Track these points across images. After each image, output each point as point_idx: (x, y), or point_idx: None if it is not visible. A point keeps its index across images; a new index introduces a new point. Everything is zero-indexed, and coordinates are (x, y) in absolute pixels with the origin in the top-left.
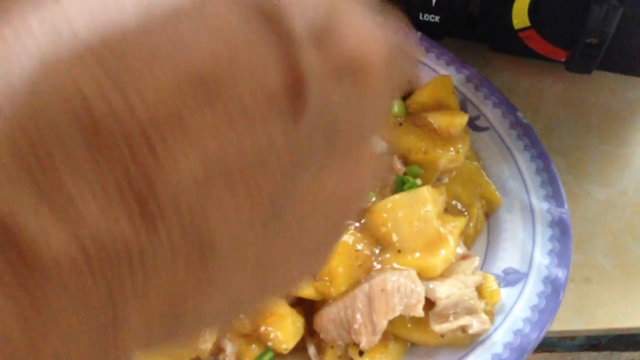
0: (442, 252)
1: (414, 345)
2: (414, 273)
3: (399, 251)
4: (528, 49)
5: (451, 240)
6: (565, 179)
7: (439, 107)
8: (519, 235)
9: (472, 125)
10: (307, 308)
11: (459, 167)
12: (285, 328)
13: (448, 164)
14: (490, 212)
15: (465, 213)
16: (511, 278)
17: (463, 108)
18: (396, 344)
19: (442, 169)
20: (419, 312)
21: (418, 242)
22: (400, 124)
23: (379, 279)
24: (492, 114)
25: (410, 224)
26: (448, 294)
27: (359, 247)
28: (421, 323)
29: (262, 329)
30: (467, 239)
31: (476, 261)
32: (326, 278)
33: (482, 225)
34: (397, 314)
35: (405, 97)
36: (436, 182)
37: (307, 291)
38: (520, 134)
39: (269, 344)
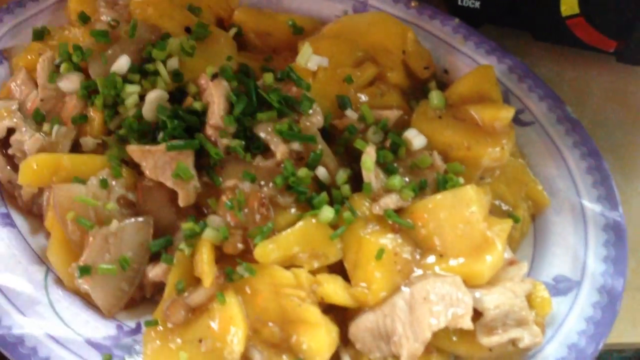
0: (489, 257)
1: (458, 359)
2: (459, 280)
3: (442, 255)
4: (575, 38)
5: (499, 244)
6: (614, 178)
7: (481, 99)
8: (569, 239)
9: (515, 119)
10: (341, 315)
11: (503, 165)
12: (319, 338)
13: (492, 161)
14: (536, 214)
15: (510, 214)
16: (562, 286)
17: (506, 101)
18: (439, 357)
19: (485, 166)
20: (468, 324)
21: (462, 246)
22: (440, 117)
23: (421, 286)
24: (537, 107)
25: (453, 226)
26: (497, 303)
27: (398, 250)
28: (467, 335)
29: (293, 338)
30: (512, 243)
31: (525, 267)
32: (363, 284)
33: (528, 228)
34: (442, 325)
35: (443, 88)
36: (479, 181)
37: (342, 297)
38: (569, 130)
39: (301, 355)
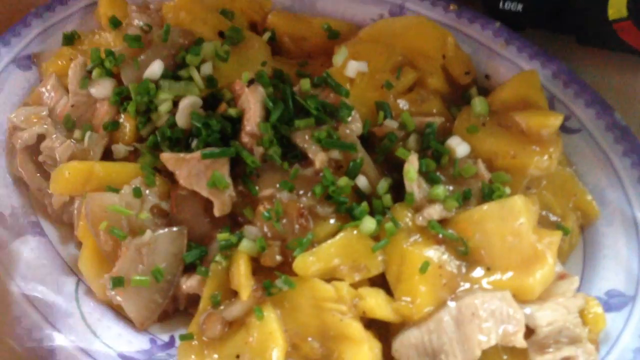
0: (540, 271)
1: None
2: (509, 295)
3: (489, 269)
4: (622, 42)
5: (549, 257)
6: None
7: (526, 105)
8: (621, 252)
9: (562, 127)
10: (383, 331)
11: (550, 174)
12: (361, 355)
13: (539, 170)
14: (586, 225)
15: (559, 225)
16: (616, 302)
17: (551, 107)
18: None
19: (532, 175)
20: (520, 342)
21: (511, 259)
22: (484, 124)
23: (469, 301)
24: (584, 114)
25: (501, 238)
26: (550, 320)
27: (443, 263)
28: (518, 353)
29: (335, 355)
30: (561, 255)
31: (576, 282)
32: (406, 298)
33: (578, 240)
34: (492, 343)
35: (485, 94)
36: (525, 191)
37: (385, 312)
38: (618, 138)
39: None
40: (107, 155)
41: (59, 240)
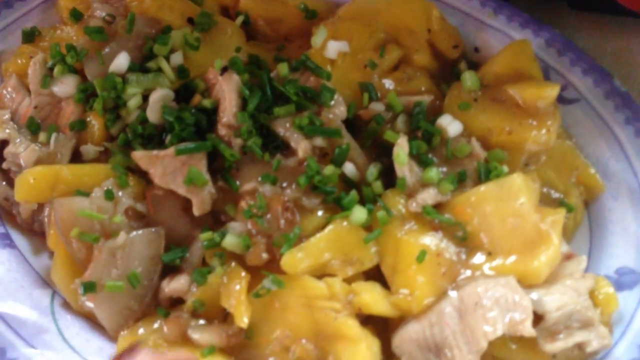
0: (546, 253)
1: None
2: (513, 280)
3: (490, 253)
4: (615, 4)
5: (554, 237)
6: None
7: (519, 77)
8: (630, 226)
9: (558, 97)
10: (381, 327)
11: (549, 149)
12: (359, 355)
13: (537, 145)
14: (590, 200)
15: (562, 202)
16: (627, 279)
17: (546, 77)
18: None
19: (530, 151)
20: (529, 330)
21: (514, 241)
22: (476, 100)
23: (471, 289)
24: (581, 82)
25: (502, 220)
26: (559, 305)
27: (441, 250)
28: (527, 341)
29: (330, 356)
30: (565, 234)
31: (584, 261)
32: (404, 290)
33: (582, 216)
34: (499, 333)
35: (475, 67)
36: (524, 168)
37: (382, 307)
38: (619, 105)
39: None
40: (76, 157)
41: (30, 251)
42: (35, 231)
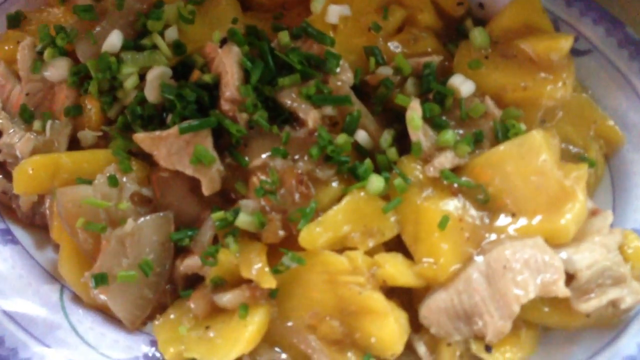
0: (572, 210)
1: (548, 330)
2: (541, 241)
3: (514, 214)
4: None
5: (580, 193)
6: None
7: (529, 31)
8: None
9: (570, 49)
10: (407, 298)
11: (566, 103)
12: (388, 329)
13: (553, 100)
14: (610, 154)
15: (582, 157)
16: None
17: (556, 30)
18: (529, 332)
19: (546, 107)
20: (563, 290)
21: (538, 200)
22: (487, 57)
23: (497, 253)
24: (593, 33)
25: (524, 179)
26: (590, 262)
27: (463, 215)
28: (560, 303)
29: (357, 333)
30: (587, 189)
31: (610, 216)
32: (428, 259)
33: (603, 170)
34: (531, 296)
35: (481, 25)
36: (541, 124)
37: (407, 278)
38: (633, 54)
39: (370, 351)
40: (74, 144)
41: (34, 246)
42: (37, 224)
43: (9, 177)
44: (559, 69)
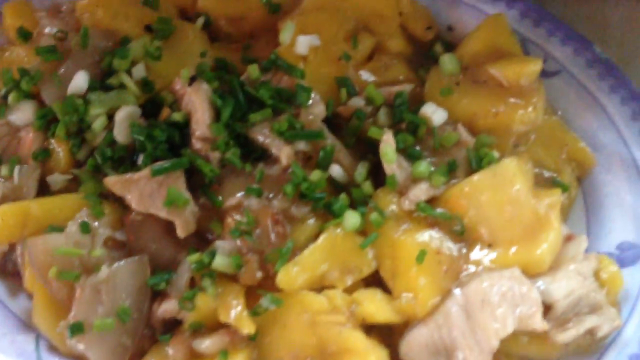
0: (547, 239)
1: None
2: (518, 272)
3: (490, 245)
4: None
5: (554, 221)
6: None
7: (499, 55)
8: (626, 199)
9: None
10: (386, 333)
11: (537, 127)
12: None
13: (525, 125)
14: (582, 176)
15: (555, 181)
16: (629, 255)
17: (524, 51)
18: None
19: (518, 132)
20: (541, 324)
21: (513, 230)
22: (457, 84)
23: (475, 286)
24: (561, 53)
25: (499, 209)
26: (566, 292)
27: (440, 248)
28: (538, 334)
29: None
30: (561, 213)
31: (585, 241)
32: (407, 294)
33: (576, 193)
34: (510, 330)
35: (451, 48)
36: (514, 150)
37: (387, 314)
38: (602, 73)
39: None
40: (43, 188)
41: (7, 294)
42: (8, 272)
43: None
44: (529, 93)
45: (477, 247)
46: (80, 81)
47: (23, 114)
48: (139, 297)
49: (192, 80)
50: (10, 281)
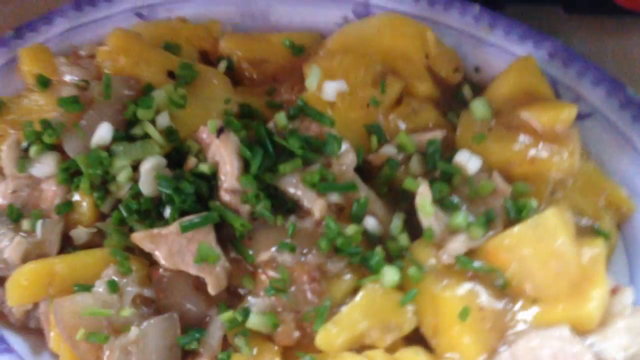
0: (595, 294)
1: None
2: (567, 331)
3: (535, 301)
4: (612, 4)
5: (601, 274)
6: None
7: (530, 98)
8: None
9: None
10: None
11: (574, 173)
12: None
13: (563, 171)
14: (622, 222)
15: (596, 230)
16: None
17: (555, 93)
18: None
19: (555, 179)
20: None
21: (559, 286)
22: (490, 130)
23: (524, 345)
24: (593, 95)
25: (542, 263)
26: (620, 350)
27: (483, 304)
28: None
29: None
30: None
31: (630, 294)
32: (452, 354)
33: (617, 241)
34: None
35: (478, 89)
36: (550, 197)
37: None
38: (636, 115)
39: None
40: (66, 242)
41: (31, 352)
42: (30, 329)
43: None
44: (564, 139)
45: (521, 303)
46: (104, 133)
47: (45, 166)
48: (169, 358)
49: (219, 132)
50: (32, 338)
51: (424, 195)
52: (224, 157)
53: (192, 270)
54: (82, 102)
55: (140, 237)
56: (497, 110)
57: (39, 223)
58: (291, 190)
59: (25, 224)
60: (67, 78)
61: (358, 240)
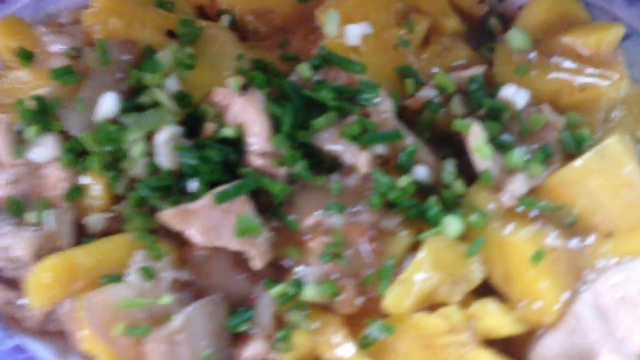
0: None
1: None
2: None
3: (610, 234)
4: None
5: None
6: None
7: (568, 23)
8: None
9: None
10: (504, 345)
11: (624, 98)
12: None
13: (614, 96)
14: None
15: None
16: None
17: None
18: None
19: (607, 105)
20: None
21: (634, 215)
22: (531, 60)
23: (606, 283)
24: (629, 14)
25: (613, 194)
26: None
27: (555, 244)
28: None
29: None
30: None
31: None
32: (528, 300)
33: None
34: None
35: (505, 22)
36: (604, 126)
37: (510, 327)
38: None
39: None
40: (80, 232)
41: (56, 356)
42: (49, 332)
43: (10, 285)
44: (612, 61)
45: (594, 239)
46: (109, 104)
47: (45, 149)
48: (219, 343)
49: (243, 89)
50: (53, 342)
51: (478, 135)
52: (252, 117)
53: (233, 245)
54: (78, 72)
55: (170, 215)
56: (534, 39)
57: (46, 214)
58: (329, 146)
59: (30, 216)
60: (54, 48)
61: (412, 191)
